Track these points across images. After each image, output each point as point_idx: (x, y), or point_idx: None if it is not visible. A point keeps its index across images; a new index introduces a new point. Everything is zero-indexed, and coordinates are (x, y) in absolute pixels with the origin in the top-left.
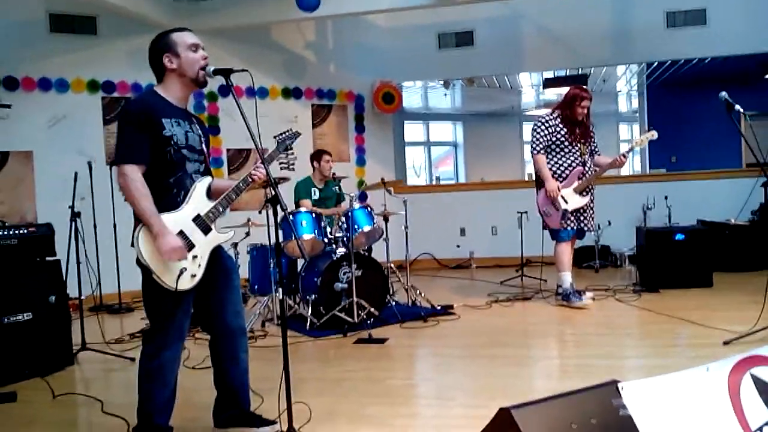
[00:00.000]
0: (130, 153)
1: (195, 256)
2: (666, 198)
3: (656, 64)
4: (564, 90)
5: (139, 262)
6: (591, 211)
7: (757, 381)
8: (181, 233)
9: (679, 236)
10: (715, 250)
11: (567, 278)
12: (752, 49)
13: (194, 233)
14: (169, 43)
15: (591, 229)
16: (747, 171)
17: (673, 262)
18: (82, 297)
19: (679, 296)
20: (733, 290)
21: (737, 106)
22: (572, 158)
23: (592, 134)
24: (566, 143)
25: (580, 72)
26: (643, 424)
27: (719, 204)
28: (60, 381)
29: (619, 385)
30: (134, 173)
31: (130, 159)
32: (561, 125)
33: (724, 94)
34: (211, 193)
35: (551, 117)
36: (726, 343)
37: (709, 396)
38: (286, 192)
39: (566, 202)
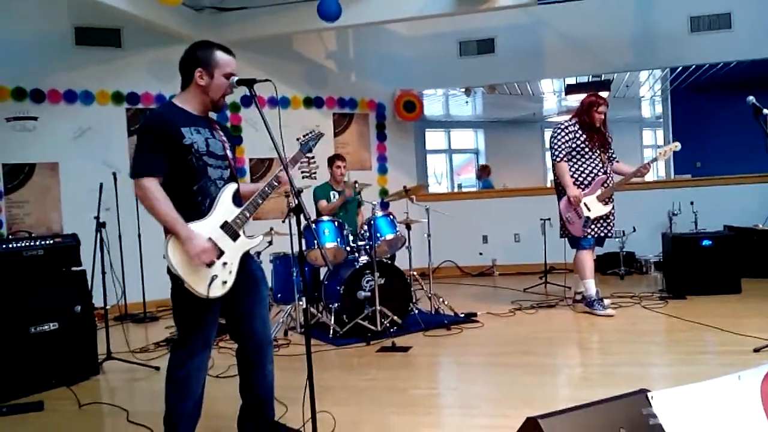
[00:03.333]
0: (145, 166)
1: (225, 263)
2: (692, 204)
3: (680, 69)
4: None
5: (169, 272)
6: (612, 218)
7: None
8: (210, 240)
9: (706, 242)
10: (743, 256)
11: (591, 285)
12: None
13: (223, 240)
14: (210, 60)
15: (612, 236)
16: None
17: (700, 268)
18: (108, 306)
19: (707, 303)
20: (762, 296)
21: (765, 110)
22: (593, 165)
23: (610, 141)
24: (587, 150)
25: (602, 78)
26: None
27: (746, 209)
28: (86, 390)
29: (649, 394)
30: (151, 184)
31: (146, 172)
32: (580, 132)
33: (751, 98)
34: (237, 199)
35: (570, 123)
36: (756, 350)
37: (741, 404)
38: (306, 198)
39: (589, 209)
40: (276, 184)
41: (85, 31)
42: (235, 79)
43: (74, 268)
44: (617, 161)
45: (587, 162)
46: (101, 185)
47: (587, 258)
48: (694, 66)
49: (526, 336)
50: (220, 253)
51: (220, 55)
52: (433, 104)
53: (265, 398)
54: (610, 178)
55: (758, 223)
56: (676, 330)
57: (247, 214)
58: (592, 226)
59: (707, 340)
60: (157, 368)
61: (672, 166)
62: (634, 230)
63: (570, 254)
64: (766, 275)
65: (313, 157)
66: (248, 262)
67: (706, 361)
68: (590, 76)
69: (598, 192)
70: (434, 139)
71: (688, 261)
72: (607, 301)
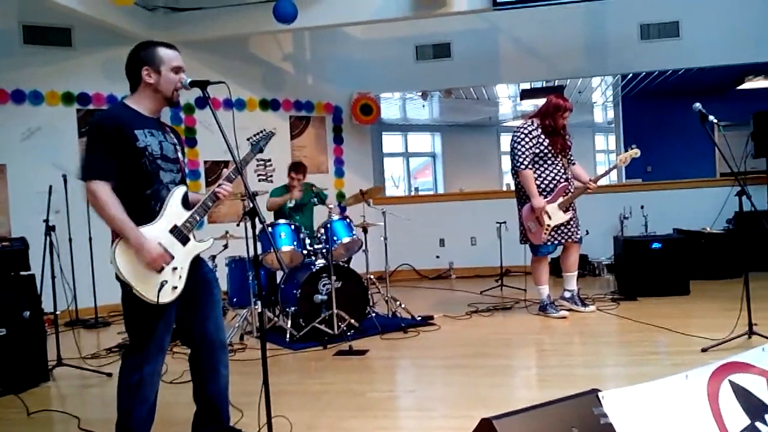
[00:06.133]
0: (97, 169)
1: (175, 268)
2: (642, 207)
3: (631, 75)
4: (540, 101)
5: (118, 278)
6: (575, 222)
7: (735, 387)
8: (160, 245)
9: (656, 245)
10: (692, 259)
11: (544, 291)
12: (725, 61)
13: (173, 244)
14: (153, 57)
15: (579, 240)
16: (721, 180)
17: (650, 270)
18: (58, 312)
19: (657, 304)
20: (710, 298)
21: (711, 117)
22: (556, 171)
23: (570, 145)
24: (550, 155)
25: (556, 83)
26: None
27: (695, 213)
28: (35, 398)
29: (600, 394)
30: (103, 188)
31: (97, 175)
32: (543, 136)
33: (698, 105)
34: (187, 203)
35: (532, 127)
36: (704, 350)
37: (688, 403)
38: (264, 201)
39: (550, 218)
40: (215, 198)
41: (34, 29)
42: (189, 80)
43: (23, 273)
44: (574, 164)
45: (550, 168)
46: (50, 187)
47: (543, 265)
48: (644, 73)
49: (483, 338)
50: (170, 258)
51: (163, 50)
52: (390, 107)
53: (219, 403)
54: (571, 184)
55: (706, 227)
56: (628, 331)
57: (197, 217)
58: (553, 234)
59: (658, 341)
60: (109, 374)
61: (623, 171)
62: (587, 233)
63: (527, 257)
64: (713, 277)
65: (269, 160)
66: (200, 266)
67: (657, 362)
68: (544, 82)
69: (560, 200)
70: (391, 142)
71: (638, 263)
72: (592, 306)
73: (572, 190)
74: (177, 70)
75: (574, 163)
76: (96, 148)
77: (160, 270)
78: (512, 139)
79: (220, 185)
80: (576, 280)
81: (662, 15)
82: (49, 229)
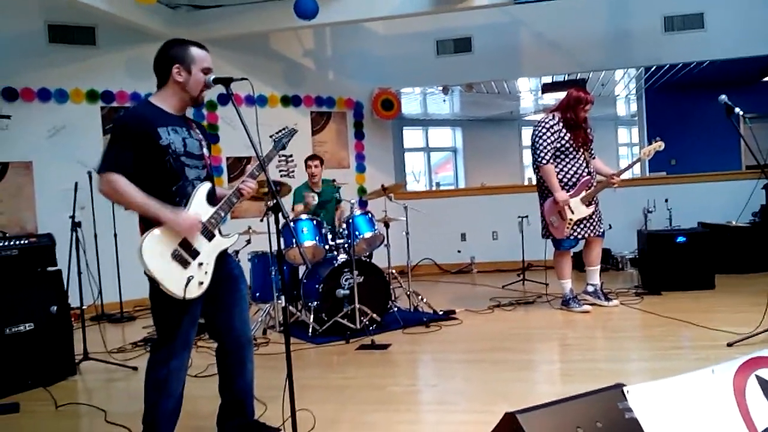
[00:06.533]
0: (113, 163)
1: (201, 263)
2: (666, 201)
3: (654, 68)
4: (562, 95)
5: (145, 273)
6: (598, 216)
7: (762, 382)
8: (185, 241)
9: (681, 239)
10: (717, 252)
11: (567, 285)
12: (750, 53)
13: (198, 240)
14: (185, 56)
15: (601, 234)
16: (747, 173)
17: (674, 264)
18: (84, 306)
19: (682, 298)
20: (736, 292)
21: (737, 109)
22: (578, 165)
23: (591, 138)
24: (571, 149)
25: (578, 77)
26: (650, 427)
27: (720, 206)
28: (63, 391)
29: (625, 389)
30: (118, 177)
31: (113, 168)
32: (564, 130)
33: (723, 97)
34: (212, 198)
35: (553, 122)
36: (730, 344)
37: (714, 398)
38: (286, 198)
39: (572, 212)
40: (240, 195)
41: (59, 28)
42: (212, 77)
43: (50, 268)
44: (594, 158)
45: (572, 162)
46: (76, 184)
47: (566, 259)
48: (668, 65)
49: (505, 333)
50: (196, 253)
51: (195, 50)
52: (410, 102)
53: (244, 397)
54: (593, 178)
55: (731, 220)
56: (652, 325)
57: (222, 213)
58: (575, 228)
59: (682, 335)
60: (135, 368)
61: (647, 164)
62: (610, 227)
63: (549, 251)
64: (738, 271)
65: (290, 156)
66: (226, 261)
67: (681, 356)
68: (566, 75)
69: (583, 194)
70: (412, 137)
71: (663, 257)
72: (615, 301)
73: (595, 184)
74: (207, 71)
75: (594, 157)
76: (115, 143)
77: (185, 264)
78: (533, 134)
79: (243, 182)
80: (599, 275)
81: (686, 6)
82: (75, 225)
